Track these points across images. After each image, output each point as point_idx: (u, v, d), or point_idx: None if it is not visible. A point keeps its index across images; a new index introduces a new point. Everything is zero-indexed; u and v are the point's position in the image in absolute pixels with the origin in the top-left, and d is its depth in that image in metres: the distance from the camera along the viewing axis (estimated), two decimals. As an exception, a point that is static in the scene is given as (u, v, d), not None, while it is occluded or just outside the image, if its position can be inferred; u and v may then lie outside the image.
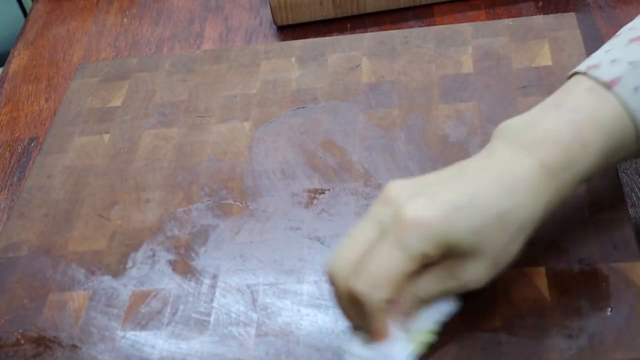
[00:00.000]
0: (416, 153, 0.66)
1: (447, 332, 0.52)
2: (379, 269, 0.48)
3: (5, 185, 0.75)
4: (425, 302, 0.50)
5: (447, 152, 0.65)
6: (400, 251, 0.47)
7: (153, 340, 0.57)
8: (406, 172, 0.64)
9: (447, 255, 0.49)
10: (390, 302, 0.48)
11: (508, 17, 0.80)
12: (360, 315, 0.49)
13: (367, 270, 0.48)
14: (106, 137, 0.73)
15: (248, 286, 0.59)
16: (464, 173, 0.51)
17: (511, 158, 0.50)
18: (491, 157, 0.51)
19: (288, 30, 0.86)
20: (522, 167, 0.50)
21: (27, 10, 1.46)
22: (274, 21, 0.85)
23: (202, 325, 0.57)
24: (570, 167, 0.50)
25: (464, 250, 0.48)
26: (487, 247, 0.49)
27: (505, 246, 0.49)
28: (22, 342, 0.59)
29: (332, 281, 0.50)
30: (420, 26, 0.81)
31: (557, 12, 0.79)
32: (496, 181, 0.49)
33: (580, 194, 0.50)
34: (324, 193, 0.64)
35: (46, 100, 0.84)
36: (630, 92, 0.51)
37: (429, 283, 0.50)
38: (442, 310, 0.52)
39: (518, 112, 0.66)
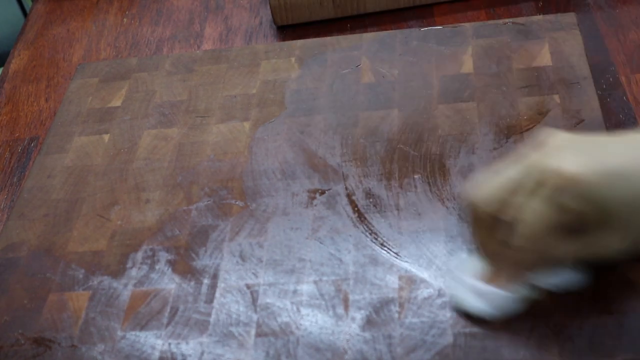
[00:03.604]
0: (416, 153, 0.66)
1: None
2: (530, 223, 0.48)
3: (5, 185, 0.75)
4: (555, 261, 0.51)
5: (447, 153, 0.65)
6: (553, 207, 0.47)
7: (153, 340, 0.57)
8: (406, 172, 0.64)
9: (585, 220, 0.48)
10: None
11: (508, 17, 0.80)
12: (493, 245, 0.51)
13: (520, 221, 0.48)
14: (106, 137, 0.73)
15: (248, 286, 0.59)
16: (624, 142, 0.50)
17: None
18: None
19: (288, 30, 0.86)
20: None
21: (27, 10, 1.46)
22: (274, 21, 0.85)
23: (202, 325, 0.57)
24: None
25: (610, 217, 0.48)
26: (631, 220, 0.48)
27: None
28: (22, 342, 0.59)
29: (476, 211, 0.51)
30: (420, 26, 0.81)
31: (557, 12, 0.79)
32: None
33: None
34: (324, 193, 0.64)
35: (46, 100, 0.84)
36: None
37: (564, 243, 0.49)
38: (562, 277, 0.53)
39: (518, 112, 0.67)
